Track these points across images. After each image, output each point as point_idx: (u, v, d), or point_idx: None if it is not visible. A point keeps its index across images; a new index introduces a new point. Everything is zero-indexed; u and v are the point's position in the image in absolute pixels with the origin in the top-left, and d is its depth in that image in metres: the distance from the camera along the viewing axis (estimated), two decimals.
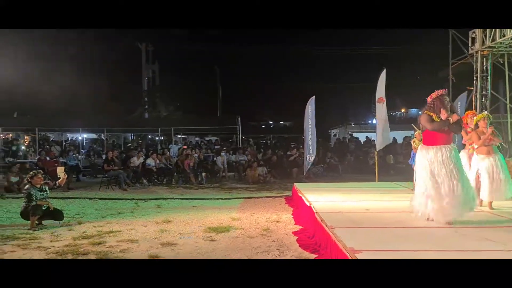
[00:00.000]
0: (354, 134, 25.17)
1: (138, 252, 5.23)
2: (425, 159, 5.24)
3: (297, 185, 9.64)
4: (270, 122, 39.92)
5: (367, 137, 21.52)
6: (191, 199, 10.15)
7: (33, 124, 19.80)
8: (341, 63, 33.34)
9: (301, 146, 16.06)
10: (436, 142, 5.23)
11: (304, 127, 13.56)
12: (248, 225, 6.87)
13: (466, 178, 5.27)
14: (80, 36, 24.15)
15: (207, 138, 25.45)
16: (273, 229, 6.52)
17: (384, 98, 11.37)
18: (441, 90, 5.42)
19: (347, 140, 22.71)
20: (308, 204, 6.90)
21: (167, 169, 14.09)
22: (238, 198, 10.27)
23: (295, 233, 6.14)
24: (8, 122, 20.10)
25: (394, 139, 18.56)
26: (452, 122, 5.14)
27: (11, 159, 16.92)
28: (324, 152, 17.25)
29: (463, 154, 6.80)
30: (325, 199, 7.54)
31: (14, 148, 18.89)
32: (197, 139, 24.91)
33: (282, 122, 39.39)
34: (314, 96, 13.40)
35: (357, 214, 6.09)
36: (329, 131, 28.95)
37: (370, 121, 29.34)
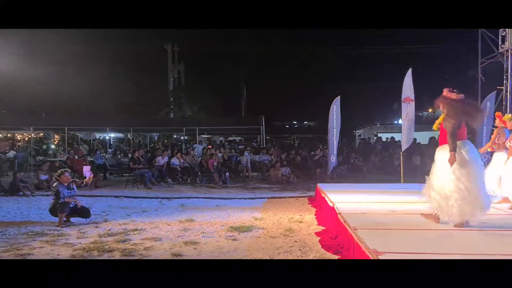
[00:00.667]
0: (379, 135, 24.82)
1: (162, 250, 5.30)
2: (437, 160, 5.24)
3: (320, 185, 9.58)
4: (294, 122, 39.75)
5: (392, 137, 21.19)
6: (215, 198, 10.22)
7: (63, 123, 20.30)
8: (367, 62, 32.82)
9: (325, 147, 15.94)
10: (443, 141, 5.20)
11: (328, 127, 13.46)
12: (271, 225, 6.87)
13: (479, 176, 5.06)
14: (107, 37, 24.63)
15: (230, 138, 25.61)
16: (295, 229, 6.51)
17: (411, 98, 11.16)
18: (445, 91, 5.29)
19: (372, 140, 22.42)
20: (331, 204, 6.84)
21: (191, 169, 14.23)
22: (261, 198, 10.29)
23: (317, 233, 6.11)
24: (39, 121, 20.72)
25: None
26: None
27: (42, 157, 17.44)
28: (348, 152, 17.09)
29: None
30: (348, 200, 7.46)
31: (44, 146, 19.51)
32: (221, 138, 25.07)
33: (306, 122, 39.17)
34: (339, 96, 13.29)
35: (381, 215, 5.99)
36: (354, 131, 28.65)
37: (396, 121, 28.86)
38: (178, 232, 6.32)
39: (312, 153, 16.24)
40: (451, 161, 4.91)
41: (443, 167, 5.05)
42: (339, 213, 5.88)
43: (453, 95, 5.15)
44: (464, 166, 4.96)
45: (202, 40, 30.03)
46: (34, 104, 25.35)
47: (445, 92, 5.21)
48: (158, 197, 10.26)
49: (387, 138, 21.23)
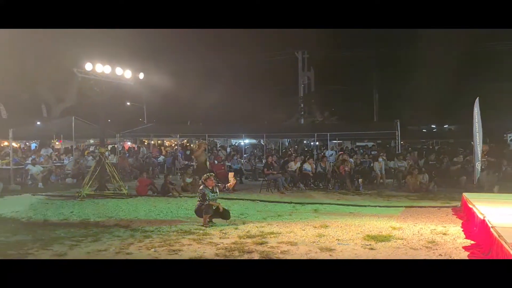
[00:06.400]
0: None
1: (298, 255, 5.37)
2: None
3: (466, 195, 8.72)
4: (432, 126, 36.87)
5: None
6: (348, 205, 10.02)
7: (203, 130, 22.10)
8: None
9: (469, 152, 14.49)
10: None
11: (472, 131, 12.17)
12: (411, 235, 6.48)
13: None
14: (228, 55, 26.37)
15: (361, 143, 24.96)
16: (439, 242, 6.02)
17: None
18: None
19: None
20: (481, 217, 6.17)
21: (324, 174, 14.19)
22: (398, 206, 9.76)
23: (466, 248, 5.58)
24: (184, 129, 22.91)
25: None
26: None
27: (186, 162, 19.13)
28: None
29: None
30: (501, 211, 6.66)
31: (188, 152, 21.37)
32: (359, 144, 24.59)
33: (446, 125, 36.02)
34: (478, 98, 11.96)
35: None
36: (505, 135, 25.51)
37: None
38: (313, 238, 6.33)
39: (455, 159, 14.88)
40: None
41: None
42: (491, 227, 5.27)
43: None
44: None
45: (331, 46, 29.89)
46: (181, 114, 28.18)
47: None
48: (291, 202, 10.44)
49: None
